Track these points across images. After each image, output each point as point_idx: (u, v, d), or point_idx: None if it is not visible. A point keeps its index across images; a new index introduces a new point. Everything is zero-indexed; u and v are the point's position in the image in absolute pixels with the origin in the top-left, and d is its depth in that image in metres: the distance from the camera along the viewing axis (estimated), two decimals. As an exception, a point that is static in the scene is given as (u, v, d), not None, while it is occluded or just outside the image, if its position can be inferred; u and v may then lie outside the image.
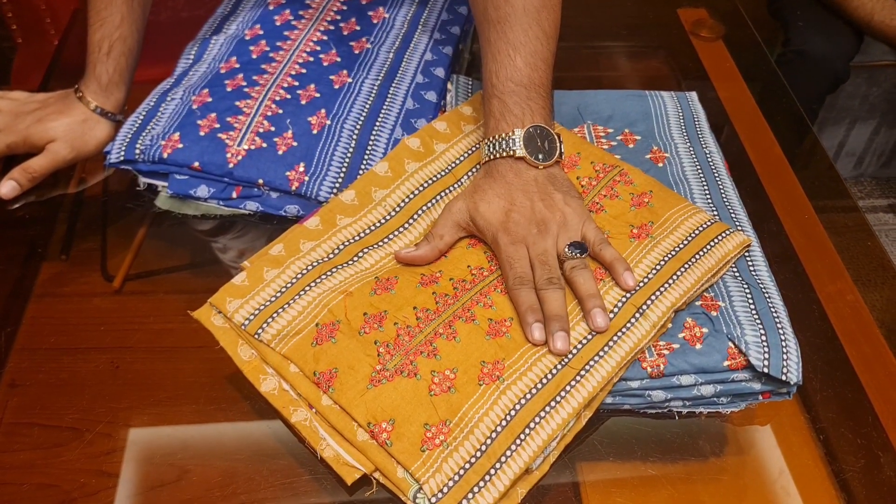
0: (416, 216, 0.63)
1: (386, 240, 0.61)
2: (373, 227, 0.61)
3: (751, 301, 0.58)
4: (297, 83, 0.73)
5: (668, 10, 1.05)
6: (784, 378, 0.53)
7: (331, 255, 0.59)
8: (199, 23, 0.84)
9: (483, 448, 0.48)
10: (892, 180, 1.89)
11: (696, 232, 0.61)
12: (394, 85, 0.75)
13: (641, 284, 0.57)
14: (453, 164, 0.67)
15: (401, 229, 0.62)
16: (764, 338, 0.55)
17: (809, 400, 0.59)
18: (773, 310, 0.57)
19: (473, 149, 0.68)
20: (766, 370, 0.53)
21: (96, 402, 0.56)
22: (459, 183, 0.65)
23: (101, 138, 0.72)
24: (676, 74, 0.95)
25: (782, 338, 0.55)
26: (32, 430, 0.54)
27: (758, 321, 0.56)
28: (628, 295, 0.56)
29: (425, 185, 0.65)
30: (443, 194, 0.64)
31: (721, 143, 0.75)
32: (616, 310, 0.55)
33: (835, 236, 0.72)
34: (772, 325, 0.56)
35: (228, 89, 0.72)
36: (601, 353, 0.52)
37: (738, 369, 0.54)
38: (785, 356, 0.54)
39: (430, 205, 0.63)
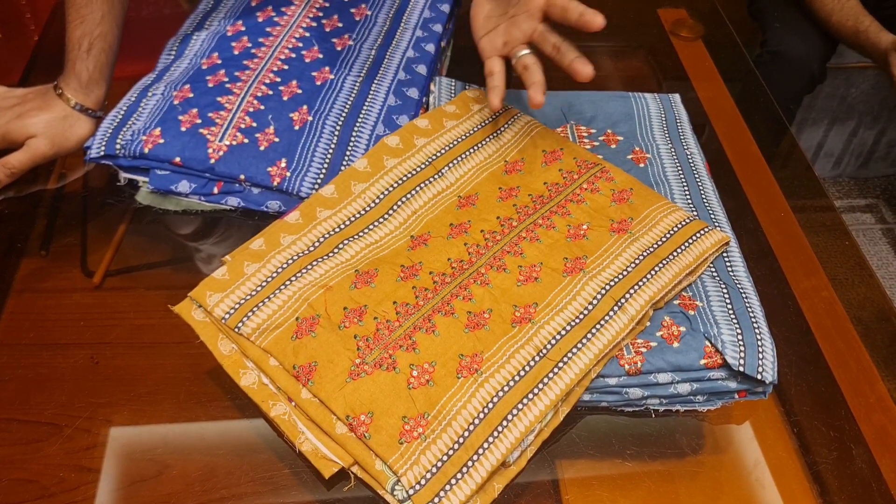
0: (395, 207, 0.63)
1: (366, 230, 0.61)
2: (353, 219, 0.62)
3: (728, 301, 0.58)
4: (278, 79, 0.74)
5: (648, 9, 1.06)
6: (759, 377, 0.53)
7: (311, 248, 0.59)
8: (181, 19, 0.84)
9: (461, 440, 0.48)
10: (871, 180, 1.92)
11: (675, 229, 0.62)
12: (376, 81, 0.76)
13: (620, 278, 0.57)
14: (434, 157, 0.67)
15: (381, 220, 0.62)
16: (740, 337, 0.55)
17: (784, 394, 0.60)
18: (749, 310, 0.58)
19: (455, 142, 0.69)
20: (741, 369, 0.54)
21: (76, 397, 0.56)
22: (440, 174, 0.66)
23: (81, 135, 0.71)
24: (656, 74, 0.96)
25: (758, 337, 0.55)
26: (11, 425, 0.54)
27: (734, 321, 0.57)
28: (607, 288, 0.56)
29: (405, 177, 0.65)
30: (422, 185, 0.65)
31: (699, 142, 0.76)
32: (595, 302, 0.56)
33: (811, 235, 0.73)
34: (748, 325, 0.56)
35: (210, 85, 0.72)
36: (579, 346, 0.53)
37: (715, 368, 0.55)
38: (760, 355, 0.54)
39: (409, 196, 0.64)
